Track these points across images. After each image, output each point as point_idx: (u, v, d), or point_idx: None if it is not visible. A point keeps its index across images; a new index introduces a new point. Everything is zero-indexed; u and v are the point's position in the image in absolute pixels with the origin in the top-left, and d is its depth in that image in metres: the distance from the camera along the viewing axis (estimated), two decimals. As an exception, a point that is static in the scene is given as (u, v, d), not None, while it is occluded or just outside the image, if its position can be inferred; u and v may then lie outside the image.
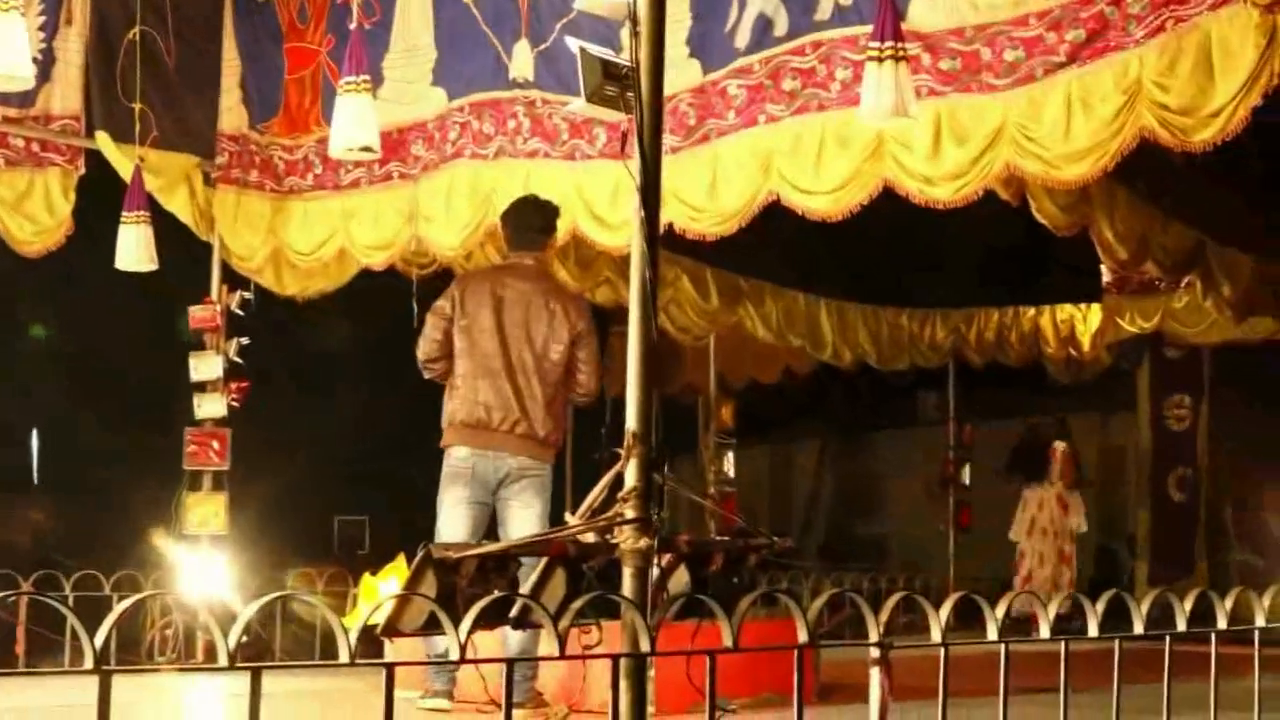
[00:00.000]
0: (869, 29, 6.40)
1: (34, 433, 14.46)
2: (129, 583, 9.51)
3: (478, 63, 8.82)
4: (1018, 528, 14.51)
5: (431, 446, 7.49)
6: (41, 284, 11.19)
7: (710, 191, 7.82)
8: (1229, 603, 4.69)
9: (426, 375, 7.53)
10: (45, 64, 9.42)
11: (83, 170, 9.70)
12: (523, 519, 7.21)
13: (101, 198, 9.65)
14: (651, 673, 4.34)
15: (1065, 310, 14.36)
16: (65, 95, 9.62)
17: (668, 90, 5.37)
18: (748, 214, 7.77)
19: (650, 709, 4.25)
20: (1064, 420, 14.95)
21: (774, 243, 8.73)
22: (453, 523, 7.23)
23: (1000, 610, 4.06)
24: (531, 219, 7.62)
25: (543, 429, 7.34)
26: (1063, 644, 4.15)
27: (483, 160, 8.82)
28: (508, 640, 6.27)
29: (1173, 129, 6.44)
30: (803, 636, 3.76)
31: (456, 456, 7.33)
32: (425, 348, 7.49)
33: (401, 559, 7.78)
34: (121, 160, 9.53)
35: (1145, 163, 7.55)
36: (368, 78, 8.03)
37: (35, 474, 14.49)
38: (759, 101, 7.65)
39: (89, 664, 2.90)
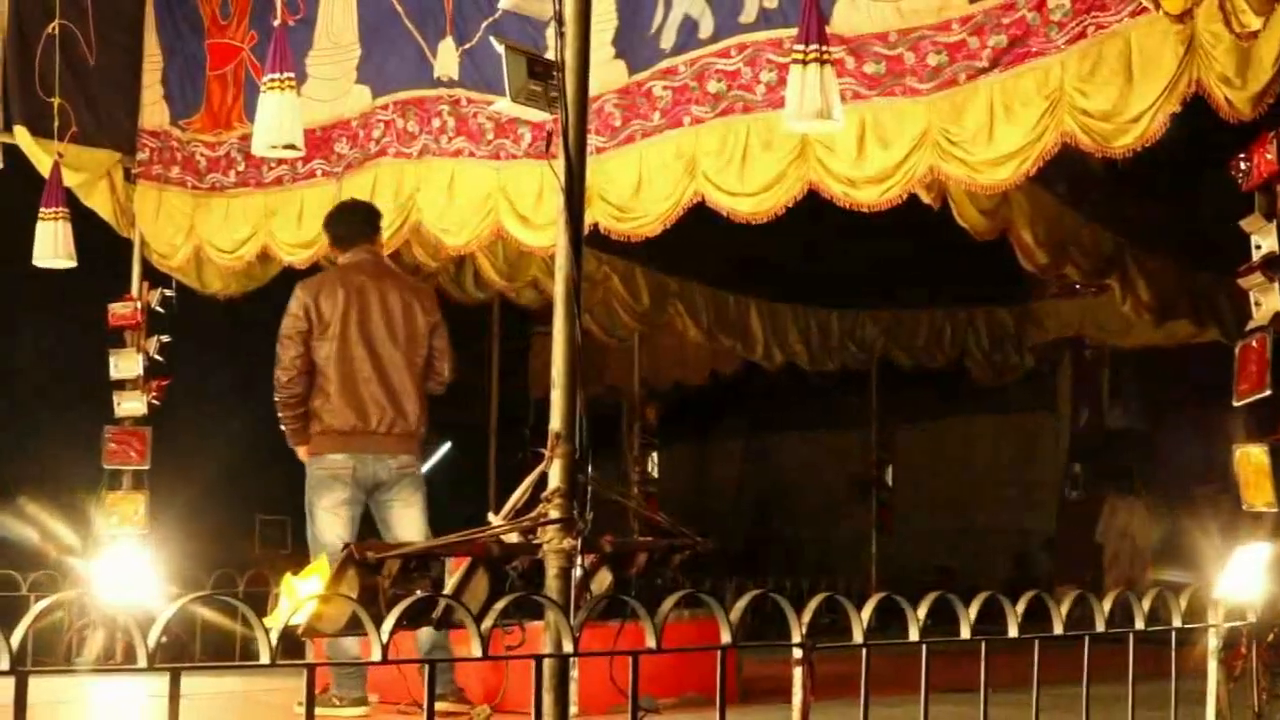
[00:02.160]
0: (794, 32, 6.41)
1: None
2: (47, 583, 9.42)
3: (402, 61, 8.80)
4: (1106, 533, 14.65)
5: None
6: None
7: (635, 192, 7.83)
8: (1146, 604, 4.74)
9: (287, 400, 7.34)
10: None
11: (0, 166, 9.57)
12: (409, 517, 7.27)
13: (18, 193, 9.52)
14: (575, 673, 4.36)
15: (991, 312, 14.44)
16: None
17: (593, 90, 5.36)
18: (673, 215, 7.78)
19: (573, 709, 4.26)
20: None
21: (704, 242, 8.73)
22: (334, 526, 7.18)
23: (922, 611, 4.08)
24: (360, 219, 7.73)
25: (417, 425, 7.40)
26: (982, 644, 4.18)
27: (407, 159, 8.80)
28: (419, 634, 6.25)
29: (1094, 135, 6.50)
30: (725, 637, 3.77)
31: (332, 461, 7.29)
32: (289, 371, 7.31)
33: (324, 559, 7.74)
34: (40, 155, 9.45)
35: (1066, 168, 7.63)
36: (291, 75, 7.95)
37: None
38: (684, 103, 7.66)
39: (4, 665, 2.87)
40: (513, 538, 4.52)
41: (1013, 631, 4.28)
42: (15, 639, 2.89)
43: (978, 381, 15.14)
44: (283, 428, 7.44)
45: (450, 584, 4.46)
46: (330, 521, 7.20)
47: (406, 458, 7.34)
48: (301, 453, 7.44)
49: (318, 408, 7.30)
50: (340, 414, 7.25)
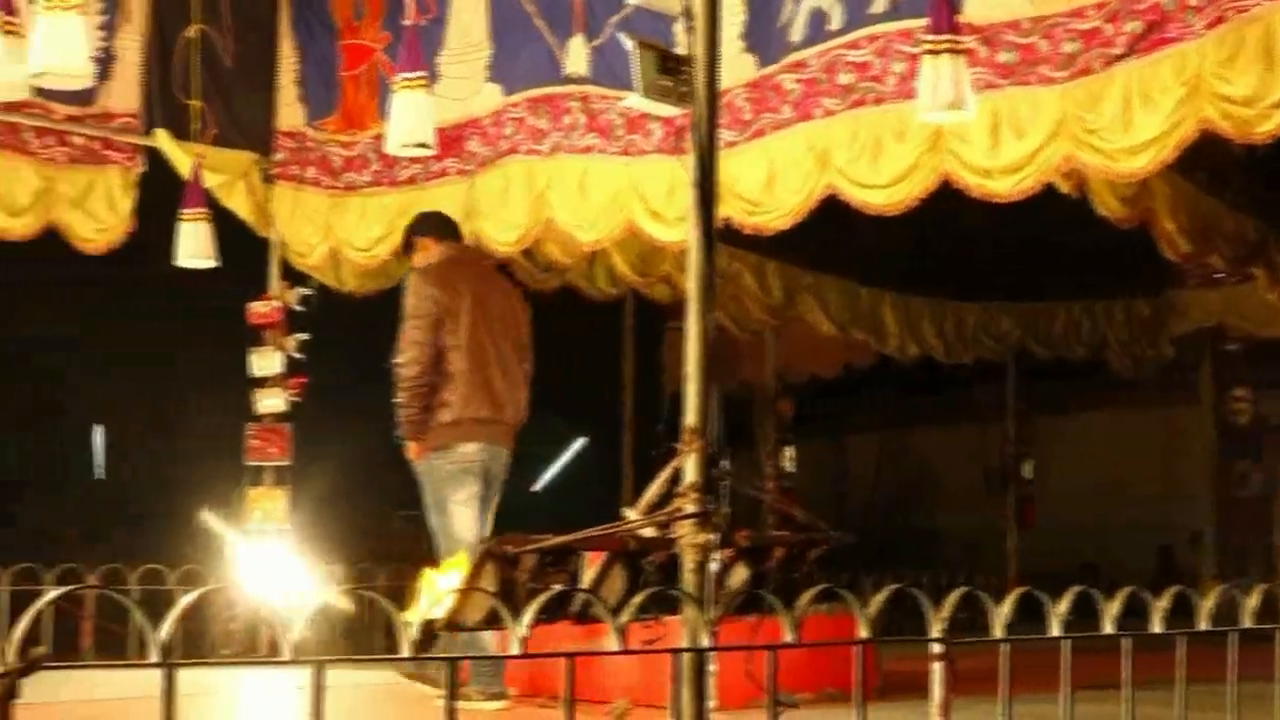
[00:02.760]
0: (924, 22, 6.36)
1: (98, 428, 14.56)
2: (194, 577, 9.57)
3: (532, 58, 8.83)
4: None
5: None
6: (103, 281, 11.24)
7: (767, 186, 7.81)
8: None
9: (418, 389, 7.27)
10: (105, 62, 9.48)
11: (143, 168, 9.78)
12: (490, 513, 7.33)
13: (160, 195, 9.69)
14: (712, 668, 4.34)
15: (1130, 303, 14.22)
16: (124, 93, 9.71)
17: (723, 84, 5.36)
18: (805, 208, 7.75)
19: (711, 704, 4.25)
20: None
21: (836, 235, 8.70)
22: (469, 520, 7.22)
23: (1063, 606, 4.03)
24: (445, 220, 8.05)
25: (521, 420, 7.52)
26: (1126, 640, 4.12)
27: (538, 156, 8.83)
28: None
29: (1234, 121, 6.38)
30: (864, 632, 3.74)
31: (464, 453, 7.30)
32: (420, 362, 7.26)
33: (463, 553, 7.79)
34: (180, 157, 9.60)
35: (1207, 154, 7.49)
36: (423, 74, 8.06)
37: (100, 468, 14.60)
38: (815, 95, 7.62)
39: (154, 657, 2.92)
40: (649, 532, 4.52)
41: (1157, 627, 4.21)
42: (163, 632, 2.94)
43: (1117, 373, 14.93)
44: (403, 420, 7.40)
45: (587, 579, 4.48)
46: (465, 516, 7.24)
47: (508, 452, 7.40)
48: (414, 448, 7.45)
49: (448, 398, 7.30)
50: (474, 403, 7.27)
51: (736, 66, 7.73)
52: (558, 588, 4.21)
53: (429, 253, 7.75)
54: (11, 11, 6.97)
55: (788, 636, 3.65)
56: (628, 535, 4.50)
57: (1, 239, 9.43)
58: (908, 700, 6.95)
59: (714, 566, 4.41)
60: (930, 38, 6.21)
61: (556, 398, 13.59)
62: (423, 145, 8.14)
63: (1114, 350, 14.39)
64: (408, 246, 7.99)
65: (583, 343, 12.51)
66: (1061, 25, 6.82)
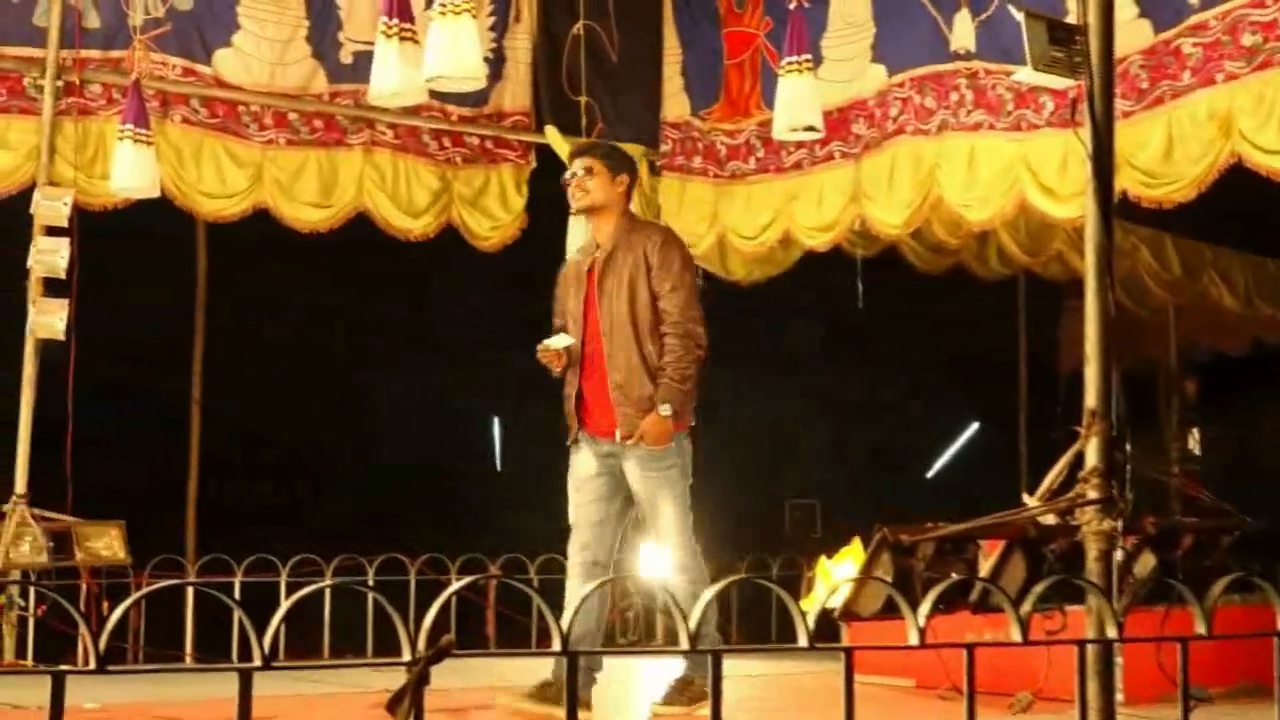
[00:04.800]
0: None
1: (494, 420, 14.92)
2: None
3: (917, 36, 8.70)
4: None
5: (892, 423, 7.30)
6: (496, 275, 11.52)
7: (1166, 156, 7.51)
8: None
9: (703, 357, 6.38)
10: (496, 63, 9.84)
11: (534, 165, 10.06)
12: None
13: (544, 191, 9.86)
14: (1119, 660, 4.17)
15: None
16: (515, 93, 10.05)
17: (1117, 52, 5.15)
18: (1207, 179, 7.42)
19: (1119, 697, 4.09)
20: None
21: (1238, 206, 8.30)
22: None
23: None
24: None
25: None
26: None
27: (925, 136, 8.69)
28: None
29: None
30: (1285, 624, 3.53)
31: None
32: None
33: (856, 542, 7.73)
34: (569, 152, 9.76)
35: None
36: (809, 57, 8.06)
37: (498, 460, 14.96)
38: (1216, 59, 7.28)
39: (557, 645, 2.95)
40: (1049, 520, 4.38)
41: None
42: (565, 622, 2.97)
43: None
44: (685, 390, 6.36)
45: (985, 567, 4.36)
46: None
47: None
48: (672, 424, 6.42)
49: (698, 379, 6.48)
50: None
51: (1130, 33, 7.45)
52: (956, 577, 4.11)
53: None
54: (408, 19, 7.20)
55: (1200, 628, 3.46)
56: (1027, 522, 4.36)
57: (403, 239, 9.78)
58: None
59: (1119, 555, 4.23)
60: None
61: (950, 380, 13.42)
62: (810, 129, 8.14)
63: None
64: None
65: (975, 323, 12.25)
66: None
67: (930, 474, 16.57)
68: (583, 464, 6.55)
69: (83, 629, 2.69)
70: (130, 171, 8.47)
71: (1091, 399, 4.31)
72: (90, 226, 8.65)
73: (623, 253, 6.48)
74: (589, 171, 6.57)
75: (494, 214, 9.94)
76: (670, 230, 7.08)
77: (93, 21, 8.86)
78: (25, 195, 8.63)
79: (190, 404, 10.70)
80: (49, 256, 8.43)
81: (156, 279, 10.76)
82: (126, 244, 9.28)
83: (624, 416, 6.37)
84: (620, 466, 6.47)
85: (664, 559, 6.62)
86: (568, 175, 6.65)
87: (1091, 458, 4.26)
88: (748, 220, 9.88)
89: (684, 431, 6.46)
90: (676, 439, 6.41)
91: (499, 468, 14.95)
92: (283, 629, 2.93)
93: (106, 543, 8.26)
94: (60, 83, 8.67)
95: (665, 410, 6.30)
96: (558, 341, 6.45)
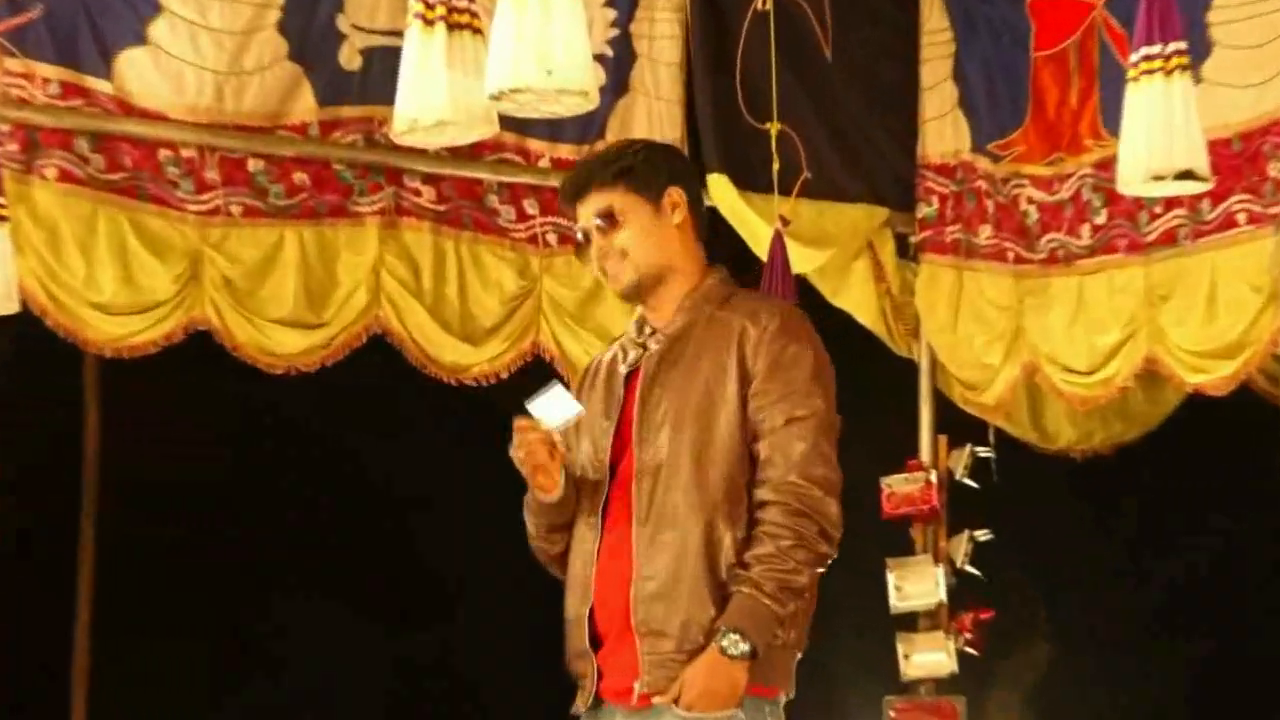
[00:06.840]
0: None
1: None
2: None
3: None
4: None
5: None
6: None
7: None
8: None
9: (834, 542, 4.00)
10: (618, 65, 6.38)
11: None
12: None
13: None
14: None
15: None
16: (652, 114, 6.53)
17: None
18: None
19: None
20: None
21: None
22: None
23: None
24: None
25: None
26: None
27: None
28: None
29: None
30: None
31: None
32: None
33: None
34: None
35: None
36: (1184, 47, 4.83)
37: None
38: None
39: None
40: None
41: None
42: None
43: None
44: (783, 621, 3.72)
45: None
46: None
47: None
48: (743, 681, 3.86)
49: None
50: None
51: None
52: None
53: None
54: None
55: None
56: None
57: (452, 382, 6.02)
58: None
59: None
60: None
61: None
62: (1189, 176, 4.92)
63: None
64: None
65: None
66: None
67: None
68: None
69: None
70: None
71: None
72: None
73: (694, 345, 3.77)
74: (609, 219, 3.77)
75: (611, 329, 5.87)
76: (793, 309, 4.04)
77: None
78: None
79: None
80: None
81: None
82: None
83: (653, 659, 3.61)
84: None
85: None
86: (579, 235, 3.92)
87: None
88: (1081, 339, 6.19)
89: (769, 699, 3.68)
90: (750, 708, 3.63)
91: None
92: None
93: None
94: None
95: (735, 648, 3.56)
96: (550, 415, 3.64)
